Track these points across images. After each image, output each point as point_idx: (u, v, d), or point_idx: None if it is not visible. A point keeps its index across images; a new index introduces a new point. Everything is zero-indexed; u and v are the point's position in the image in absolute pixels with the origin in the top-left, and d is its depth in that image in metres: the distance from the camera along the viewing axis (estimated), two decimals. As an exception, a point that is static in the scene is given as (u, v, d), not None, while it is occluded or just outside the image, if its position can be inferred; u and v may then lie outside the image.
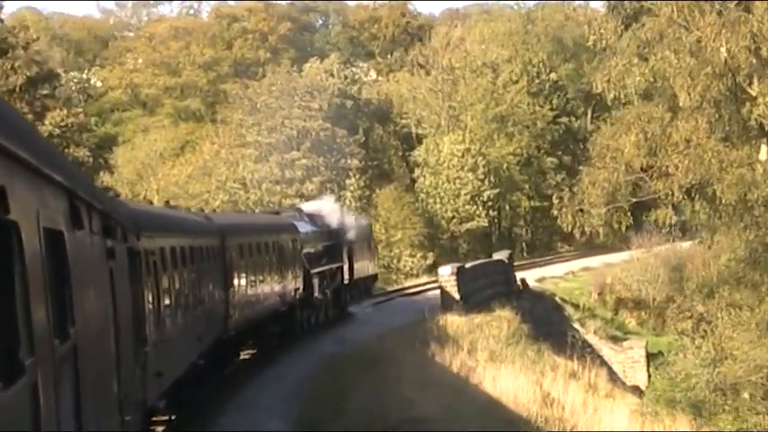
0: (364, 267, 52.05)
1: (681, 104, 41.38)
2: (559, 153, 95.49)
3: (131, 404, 13.00)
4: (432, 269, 75.91)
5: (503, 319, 47.18)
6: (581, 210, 46.70)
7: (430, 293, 57.16)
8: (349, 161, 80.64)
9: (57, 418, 5.81)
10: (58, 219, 6.48)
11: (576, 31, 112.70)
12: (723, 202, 42.21)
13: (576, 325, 59.80)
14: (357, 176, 79.98)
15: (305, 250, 40.33)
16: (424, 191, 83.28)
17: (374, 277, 56.73)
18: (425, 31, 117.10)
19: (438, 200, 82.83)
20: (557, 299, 62.77)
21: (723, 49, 40.11)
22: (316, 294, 41.52)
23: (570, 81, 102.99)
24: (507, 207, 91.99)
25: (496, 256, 60.96)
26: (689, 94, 39.96)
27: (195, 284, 23.37)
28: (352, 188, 79.53)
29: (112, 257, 10.87)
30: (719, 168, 40.66)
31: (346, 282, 47.80)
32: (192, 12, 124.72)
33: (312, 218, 44.25)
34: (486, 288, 54.87)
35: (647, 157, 43.52)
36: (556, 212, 48.73)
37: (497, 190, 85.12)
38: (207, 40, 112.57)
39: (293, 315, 38.45)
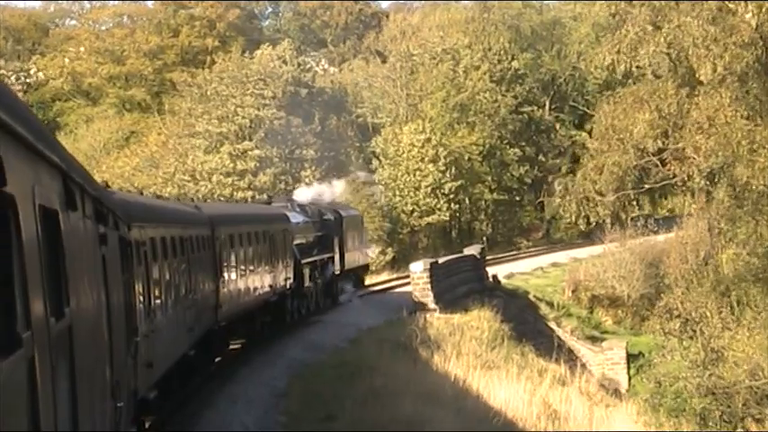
0: (355, 257, 51.61)
1: (702, 78, 37.12)
2: (522, 144, 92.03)
3: (123, 392, 12.95)
4: (392, 265, 72.32)
5: (482, 319, 43.61)
6: (586, 198, 42.65)
7: (396, 291, 54.41)
8: (304, 152, 76.82)
9: (53, 394, 5.83)
10: (53, 198, 6.52)
11: (535, 20, 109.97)
12: (751, 188, 38.02)
13: (552, 324, 56.26)
14: (313, 168, 76.20)
15: (296, 240, 40.33)
16: (383, 183, 79.28)
17: (365, 267, 56.14)
18: (379, 18, 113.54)
19: (397, 192, 78.97)
20: (530, 297, 59.08)
21: (750, 16, 35.89)
22: (307, 284, 41.85)
23: (528, 71, 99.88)
24: (467, 200, 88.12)
25: (468, 250, 57.17)
26: (713, 67, 35.62)
27: (185, 274, 23.30)
28: (307, 180, 75.73)
29: (105, 243, 10.81)
30: (749, 150, 36.41)
31: (337, 272, 47.73)
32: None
33: (303, 208, 44.32)
34: (459, 285, 51.33)
35: (661, 139, 39.44)
36: (558, 201, 44.70)
37: (459, 182, 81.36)
38: (152, 28, 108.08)
39: (284, 305, 38.47)
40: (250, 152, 74.18)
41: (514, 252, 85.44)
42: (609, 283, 64.70)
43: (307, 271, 41.78)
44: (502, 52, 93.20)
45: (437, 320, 40.94)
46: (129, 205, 17.51)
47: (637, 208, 46.28)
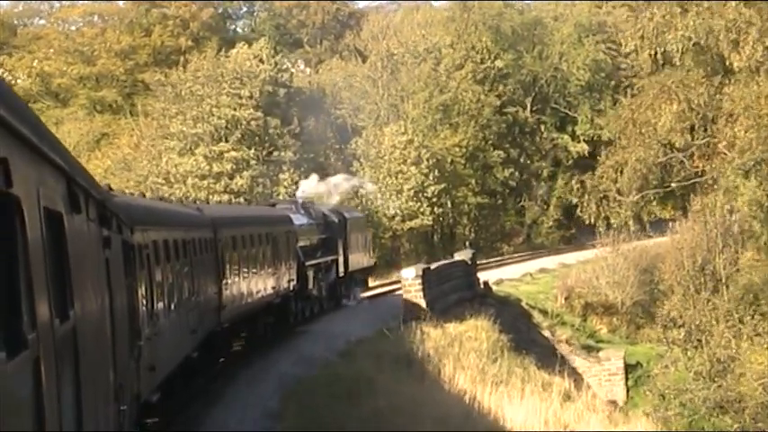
0: (359, 259, 51.43)
1: (735, 65, 34.20)
2: (506, 146, 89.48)
3: (127, 395, 12.79)
4: (374, 271, 69.64)
5: (479, 329, 40.99)
6: (605, 197, 39.69)
7: (381, 298, 52.37)
8: (282, 154, 74.14)
9: (57, 395, 5.82)
10: (58, 200, 6.52)
11: (516, 20, 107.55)
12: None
13: (547, 333, 53.65)
14: (291, 170, 73.51)
15: (300, 242, 40.41)
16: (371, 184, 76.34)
17: (369, 269, 55.72)
18: (357, 18, 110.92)
19: (379, 196, 76.18)
20: (523, 304, 56.40)
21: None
22: (310, 286, 42.09)
23: (510, 71, 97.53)
24: (449, 204, 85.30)
25: (458, 256, 54.43)
26: (751, 52, 32.64)
27: (188, 277, 23.25)
28: (286, 183, 73.11)
29: (108, 247, 10.76)
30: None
31: (341, 274, 47.76)
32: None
33: (307, 210, 44.31)
34: (451, 292, 48.70)
35: (688, 133, 36.48)
36: (576, 200, 41.60)
37: (442, 185, 78.67)
38: (124, 27, 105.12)
39: (287, 307, 38.61)
40: (226, 154, 71.56)
41: (499, 258, 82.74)
42: (602, 289, 62.14)
43: (310, 273, 42.04)
44: (485, 51, 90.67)
45: (433, 331, 38.20)
46: (131, 208, 17.52)
47: (659, 209, 43.19)
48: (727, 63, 34.46)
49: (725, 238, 53.80)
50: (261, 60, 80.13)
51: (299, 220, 41.77)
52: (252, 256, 32.57)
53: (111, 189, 17.81)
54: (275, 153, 74.09)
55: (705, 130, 36.76)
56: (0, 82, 5.18)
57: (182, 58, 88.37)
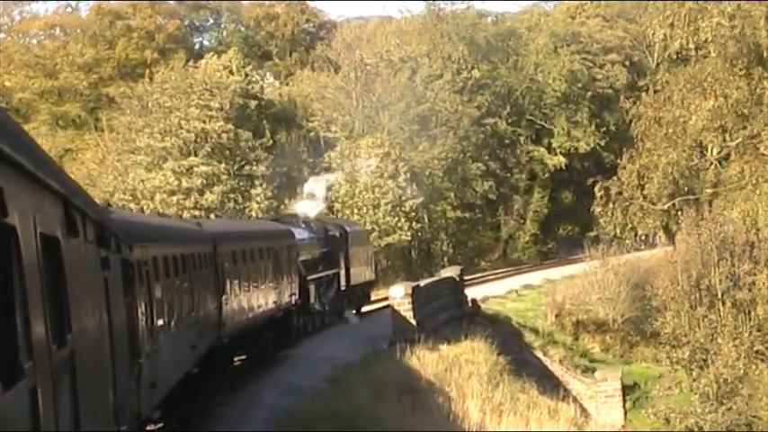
0: (361, 273, 51.03)
1: None
2: (486, 158, 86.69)
3: (126, 415, 12.75)
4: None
5: (476, 350, 38.13)
6: (627, 206, 36.55)
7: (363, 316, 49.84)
8: (254, 168, 71.19)
9: (55, 422, 5.82)
10: (54, 225, 6.55)
11: (490, 30, 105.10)
12: None
13: (539, 353, 50.80)
14: (264, 185, 70.64)
15: (301, 257, 40.47)
16: (340, 200, 73.29)
17: (371, 283, 54.84)
18: (328, 29, 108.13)
19: (355, 211, 73.10)
20: (514, 323, 53.49)
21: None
22: (312, 301, 42.17)
23: (487, 82, 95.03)
24: (426, 219, 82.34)
25: (445, 272, 51.51)
26: None
27: (188, 292, 23.12)
28: (258, 198, 70.23)
29: (107, 268, 10.82)
30: None
31: (343, 288, 47.67)
32: (69, 9, 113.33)
33: (308, 224, 44.55)
34: (440, 311, 45.84)
35: (723, 133, 33.39)
36: (599, 210, 38.52)
37: (420, 199, 75.78)
38: (87, 40, 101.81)
39: (289, 322, 38.75)
40: (196, 168, 68.62)
41: (480, 274, 79.86)
42: (593, 306, 59.37)
43: (312, 287, 42.16)
44: (461, 61, 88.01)
45: (428, 354, 35.25)
46: (130, 225, 17.49)
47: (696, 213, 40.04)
48: (766, 54, 31.48)
49: (720, 251, 51.32)
50: (231, 71, 77.30)
51: (301, 234, 41.85)
52: (252, 270, 32.46)
53: (109, 205, 18.37)
54: (247, 167, 71.24)
55: (744, 128, 33.69)
56: None
57: (147, 71, 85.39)
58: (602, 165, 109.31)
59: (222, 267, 28.41)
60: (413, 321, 39.91)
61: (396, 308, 40.38)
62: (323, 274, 44.09)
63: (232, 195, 69.58)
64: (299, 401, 27.46)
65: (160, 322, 19.16)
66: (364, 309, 52.37)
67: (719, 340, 43.95)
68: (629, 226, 38.92)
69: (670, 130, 35.30)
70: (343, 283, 47.27)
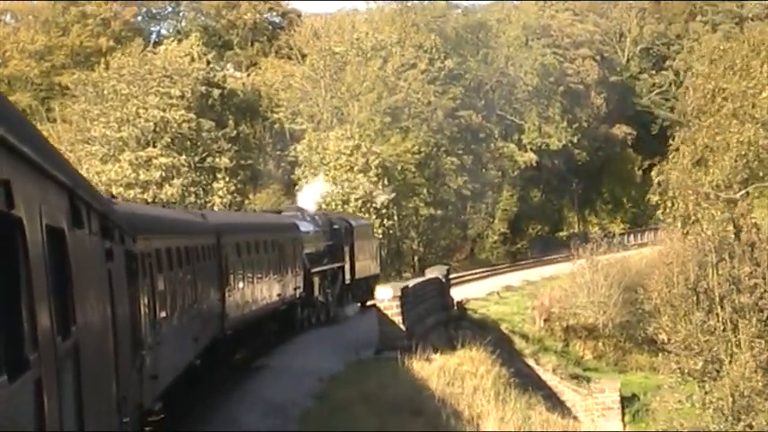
0: (366, 267, 50.91)
1: None
2: (460, 152, 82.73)
3: (129, 406, 12.77)
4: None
5: (475, 361, 34.04)
6: (674, 196, 32.16)
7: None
8: (217, 160, 67.12)
9: (60, 414, 5.80)
10: (60, 216, 6.50)
11: (460, 22, 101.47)
12: None
13: (531, 361, 46.88)
14: (227, 179, 66.63)
15: (306, 250, 40.43)
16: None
17: (375, 277, 53.52)
18: (291, 19, 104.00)
19: (323, 207, 69.00)
20: (503, 328, 49.51)
21: None
22: (316, 293, 42.17)
23: (460, 73, 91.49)
24: (396, 216, 78.28)
25: (431, 273, 47.42)
26: None
27: (191, 284, 23.13)
28: (221, 192, 66.18)
29: (111, 259, 10.83)
30: None
31: (348, 281, 47.55)
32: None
33: (313, 217, 44.76)
34: (426, 315, 41.84)
35: None
36: (655, 199, 34.13)
37: (392, 195, 71.71)
38: (39, 26, 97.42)
39: (293, 314, 38.80)
40: (155, 160, 64.49)
41: (455, 275, 75.96)
42: (582, 311, 55.50)
43: (317, 280, 42.10)
44: (434, 51, 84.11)
45: (426, 365, 31.23)
46: (134, 217, 17.38)
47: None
48: None
49: (719, 253, 47.72)
50: (192, 58, 73.02)
51: (306, 227, 41.84)
52: (256, 263, 32.30)
53: (114, 197, 18.56)
54: (209, 159, 67.34)
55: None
56: (2, 99, 5.06)
57: (102, 60, 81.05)
58: (574, 162, 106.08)
59: (226, 260, 28.36)
60: (402, 327, 35.91)
61: (383, 311, 36.35)
62: (327, 267, 44.13)
63: (193, 189, 65.79)
64: (284, 425, 23.39)
65: (163, 314, 19.06)
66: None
67: (735, 350, 40.20)
68: (692, 219, 34.32)
69: (737, 105, 30.77)
70: (348, 276, 47.27)
